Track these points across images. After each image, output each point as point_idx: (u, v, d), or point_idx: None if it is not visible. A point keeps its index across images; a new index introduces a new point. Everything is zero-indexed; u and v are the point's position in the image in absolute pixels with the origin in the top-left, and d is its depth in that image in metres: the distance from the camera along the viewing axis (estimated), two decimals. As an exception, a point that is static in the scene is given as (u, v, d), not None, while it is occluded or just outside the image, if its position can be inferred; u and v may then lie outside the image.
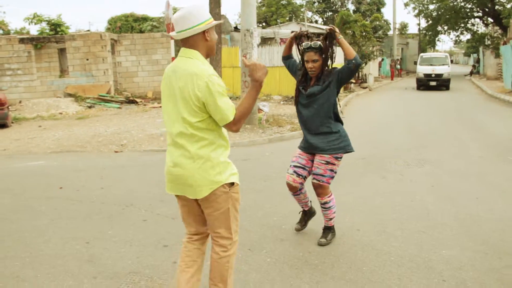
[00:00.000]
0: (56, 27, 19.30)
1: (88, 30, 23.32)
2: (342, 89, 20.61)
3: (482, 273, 3.37)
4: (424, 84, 21.63)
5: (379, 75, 32.63)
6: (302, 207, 4.31)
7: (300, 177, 4.01)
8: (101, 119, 12.88)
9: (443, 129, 10.16)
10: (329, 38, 3.77)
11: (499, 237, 4.04)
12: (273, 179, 6.24)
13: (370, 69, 26.96)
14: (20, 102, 15.45)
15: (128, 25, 21.30)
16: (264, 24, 35.95)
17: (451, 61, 26.01)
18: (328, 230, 4.09)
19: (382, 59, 32.82)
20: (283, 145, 9.00)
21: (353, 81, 21.99)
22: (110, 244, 4.21)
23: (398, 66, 34.57)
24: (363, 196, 5.35)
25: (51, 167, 7.42)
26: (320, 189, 3.91)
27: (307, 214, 4.33)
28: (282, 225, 4.47)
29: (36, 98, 15.79)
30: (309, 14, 36.11)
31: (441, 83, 21.35)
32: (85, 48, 16.18)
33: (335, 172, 3.94)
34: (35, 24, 20.18)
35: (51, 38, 16.71)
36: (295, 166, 4.05)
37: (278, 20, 31.97)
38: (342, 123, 4.04)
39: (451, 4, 32.61)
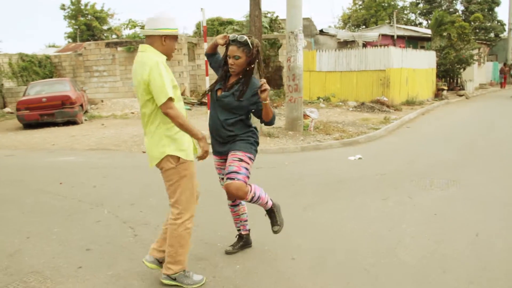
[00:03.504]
0: (148, 31, 20.52)
1: (187, 34, 24.43)
2: (432, 96, 18.97)
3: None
4: (534, 93, 18.88)
5: (489, 81, 29.42)
6: (239, 229, 3.87)
7: None
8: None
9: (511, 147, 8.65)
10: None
11: None
12: (263, 190, 5.77)
13: (474, 75, 24.35)
14: (102, 101, 16.70)
15: (213, 29, 21.87)
16: (363, 27, 34.63)
17: None
18: (272, 212, 3.68)
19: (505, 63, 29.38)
20: (313, 155, 8.40)
21: (445, 88, 20.01)
22: (43, 241, 4.23)
23: (514, 73, 30.75)
24: (339, 218, 4.67)
25: (73, 163, 7.80)
26: (238, 191, 3.26)
27: (243, 240, 3.89)
28: (218, 243, 4.06)
29: (118, 98, 16.95)
30: (413, 16, 33.92)
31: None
32: (162, 51, 16.92)
33: (249, 172, 3.38)
34: (130, 29, 21.85)
35: (132, 42, 17.80)
36: (221, 179, 3.64)
37: (376, 24, 30.46)
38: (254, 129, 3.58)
39: None
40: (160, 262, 3.28)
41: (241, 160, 3.34)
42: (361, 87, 16.93)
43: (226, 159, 3.48)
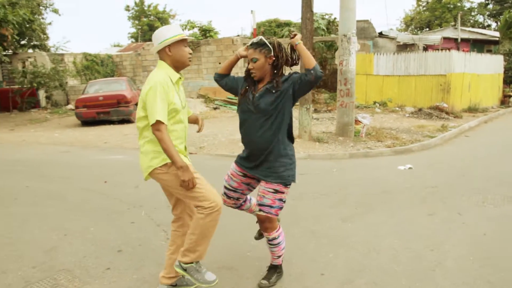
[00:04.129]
0: (206, 32, 20.94)
1: (238, 35, 24.64)
2: (497, 103, 17.81)
3: None
4: None
5: None
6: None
7: (231, 199, 3.46)
8: (214, 120, 13.47)
9: None
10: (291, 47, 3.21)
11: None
12: (302, 199, 5.62)
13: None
14: (157, 100, 17.16)
15: (271, 31, 21.82)
16: (427, 29, 33.32)
17: None
18: (274, 269, 3.41)
19: None
20: (361, 162, 8.09)
21: (513, 94, 18.74)
22: (79, 240, 4.33)
23: None
24: (379, 233, 4.40)
25: (121, 162, 8.02)
26: (267, 223, 3.21)
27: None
28: (247, 252, 3.95)
29: (173, 98, 17.33)
30: (481, 17, 32.10)
31: None
32: (218, 52, 17.14)
33: (284, 202, 3.23)
34: (188, 30, 22.31)
35: (190, 43, 18.16)
36: (225, 188, 3.46)
37: (440, 26, 29.16)
38: (293, 142, 3.35)
39: None
40: (173, 286, 3.20)
41: (276, 191, 3.16)
42: (420, 92, 16.22)
43: (246, 176, 3.35)
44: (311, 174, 7.08)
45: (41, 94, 19.43)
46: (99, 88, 14.20)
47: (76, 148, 9.87)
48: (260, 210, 3.19)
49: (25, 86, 18.01)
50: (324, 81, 20.54)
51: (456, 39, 20.06)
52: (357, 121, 10.24)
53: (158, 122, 2.76)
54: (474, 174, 6.87)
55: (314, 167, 7.59)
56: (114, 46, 38.79)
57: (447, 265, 3.66)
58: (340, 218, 4.87)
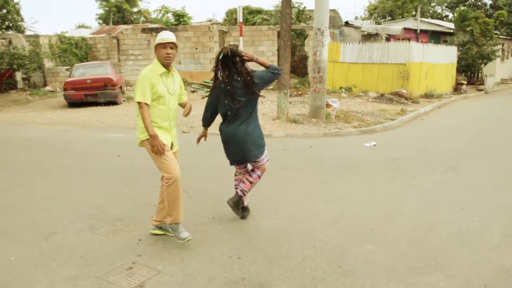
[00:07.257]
0: (179, 17, 21.68)
1: (210, 20, 25.42)
2: (451, 90, 19.62)
3: None
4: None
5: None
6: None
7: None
8: (197, 103, 14.42)
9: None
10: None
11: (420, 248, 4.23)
12: (289, 169, 6.87)
13: (496, 70, 24.77)
14: (138, 83, 17.96)
15: (243, 17, 22.79)
16: (389, 18, 35.07)
17: None
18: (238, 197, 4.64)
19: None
20: (333, 140, 9.43)
21: (465, 82, 20.63)
22: (118, 199, 5.41)
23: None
24: (352, 192, 5.70)
25: (124, 140, 9.01)
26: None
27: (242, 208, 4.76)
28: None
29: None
30: (439, 8, 34.11)
31: None
32: (195, 38, 18.05)
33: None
34: (162, 14, 22.96)
35: (166, 29, 18.92)
36: None
37: (401, 16, 30.89)
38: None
39: None
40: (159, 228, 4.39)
41: None
42: (382, 79, 17.76)
43: None
44: (292, 150, 8.34)
45: (19, 75, 19.74)
46: (85, 71, 14.87)
47: (74, 127, 10.73)
48: None
49: (3, 67, 18.35)
50: (293, 67, 21.81)
51: (416, 30, 21.72)
52: (327, 105, 11.58)
53: (139, 102, 3.81)
54: (426, 150, 8.33)
55: (293, 144, 8.86)
56: (80, 27, 38.43)
57: (403, 211, 5.02)
58: (322, 182, 6.15)
